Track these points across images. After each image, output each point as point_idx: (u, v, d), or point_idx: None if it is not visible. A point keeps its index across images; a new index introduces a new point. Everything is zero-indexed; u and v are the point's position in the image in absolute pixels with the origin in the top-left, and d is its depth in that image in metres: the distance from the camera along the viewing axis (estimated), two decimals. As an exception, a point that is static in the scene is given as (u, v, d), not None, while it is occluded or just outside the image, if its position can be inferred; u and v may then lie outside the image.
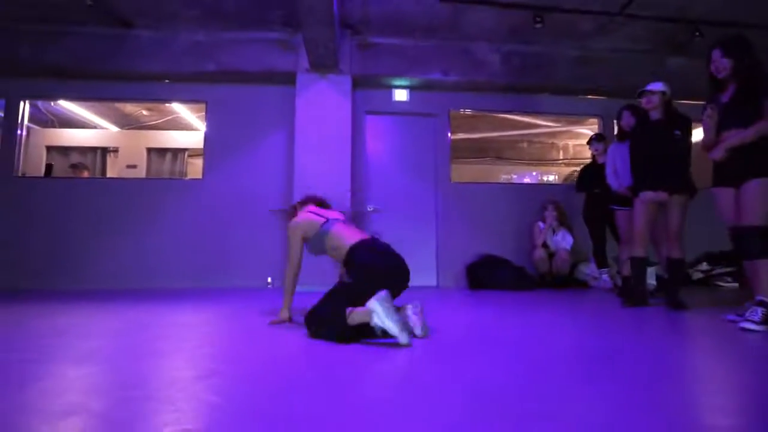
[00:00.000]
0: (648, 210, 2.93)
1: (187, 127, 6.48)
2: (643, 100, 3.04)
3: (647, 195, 2.92)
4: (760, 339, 1.89)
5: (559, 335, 2.07)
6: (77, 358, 1.51)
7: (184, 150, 6.19)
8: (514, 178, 8.63)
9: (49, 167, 4.86)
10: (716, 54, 2.46)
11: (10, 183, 4.32)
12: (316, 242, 2.18)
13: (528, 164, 8.70)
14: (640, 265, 2.96)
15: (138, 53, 4.38)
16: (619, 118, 3.61)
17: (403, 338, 1.66)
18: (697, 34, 4.22)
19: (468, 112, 5.18)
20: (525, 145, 8.59)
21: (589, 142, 4.31)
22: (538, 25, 4.05)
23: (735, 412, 1.08)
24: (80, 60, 4.35)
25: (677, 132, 2.89)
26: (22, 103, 4.46)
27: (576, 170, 8.34)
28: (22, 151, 4.48)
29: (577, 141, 8.66)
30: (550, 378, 1.30)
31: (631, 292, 3.06)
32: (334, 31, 3.73)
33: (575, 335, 2.07)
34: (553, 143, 8.68)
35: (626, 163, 3.44)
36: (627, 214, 3.52)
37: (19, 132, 4.43)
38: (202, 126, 6.34)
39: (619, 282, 4.13)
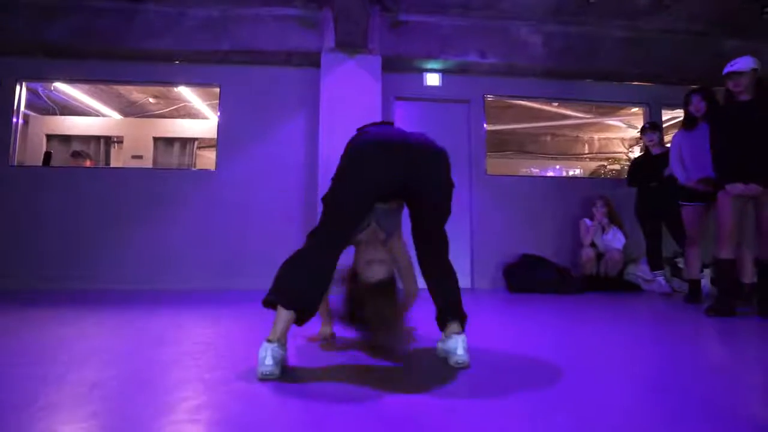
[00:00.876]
0: (737, 205, 2.55)
1: (196, 116, 6.09)
2: (730, 84, 2.64)
3: (737, 188, 2.53)
4: None
5: (643, 348, 1.69)
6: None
7: (193, 140, 5.81)
8: (537, 172, 8.24)
9: (47, 155, 4.47)
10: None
11: (5, 173, 3.93)
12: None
13: (552, 158, 8.31)
14: (729, 268, 2.57)
15: (146, 30, 3.98)
16: (686, 104, 3.21)
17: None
18: (766, 12, 3.81)
19: (500, 97, 4.78)
20: (548, 138, 8.19)
21: (642, 132, 3.91)
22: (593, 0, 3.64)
23: None
24: (83, 37, 3.95)
25: (772, 114, 2.50)
26: (18, 86, 4.06)
27: (603, 164, 7.98)
28: (17, 139, 4.09)
29: (603, 134, 8.26)
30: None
31: (717, 299, 2.66)
32: (366, 4, 3.34)
33: (663, 350, 1.69)
34: (577, 136, 8.27)
35: (696, 153, 3.08)
36: (696, 210, 3.15)
37: (14, 119, 4.04)
38: (212, 115, 5.97)
39: (678, 286, 3.78)
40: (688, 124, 3.22)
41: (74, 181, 4.05)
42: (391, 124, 1.77)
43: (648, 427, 0.95)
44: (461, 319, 1.52)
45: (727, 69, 2.64)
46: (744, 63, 2.61)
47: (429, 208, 1.53)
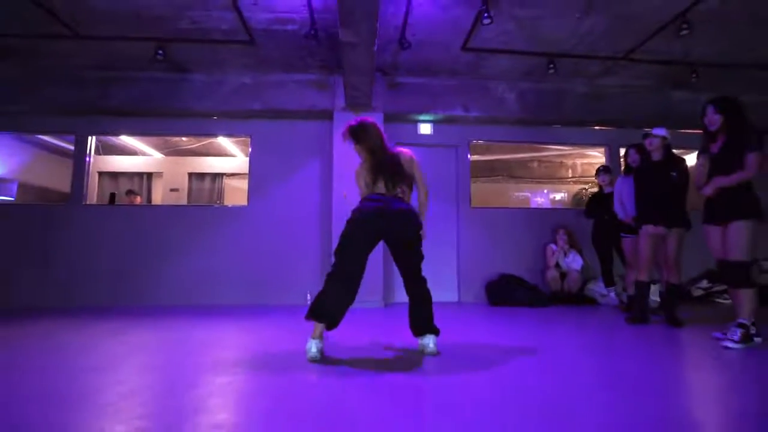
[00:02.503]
0: (650, 241, 3.38)
1: (223, 152, 7.05)
2: (646, 142, 3.50)
3: (649, 229, 3.38)
4: (735, 355, 2.34)
5: (571, 351, 2.53)
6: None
7: (221, 174, 6.74)
8: (525, 195, 9.10)
9: (112, 196, 5.41)
10: (710, 110, 2.89)
11: (81, 210, 4.87)
12: None
13: (538, 182, 9.17)
14: (643, 288, 3.41)
15: (191, 94, 4.93)
16: (626, 156, 4.07)
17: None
18: (694, 75, 4.68)
19: (483, 142, 5.66)
20: (535, 164, 9.07)
21: (596, 174, 4.76)
22: (551, 70, 4.53)
23: (702, 407, 1.54)
24: (140, 101, 4.90)
25: (674, 173, 3.35)
26: (89, 139, 5.02)
27: (584, 188, 8.82)
28: (89, 179, 5.04)
29: (584, 160, 9.12)
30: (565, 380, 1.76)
31: (634, 311, 3.49)
32: (372, 78, 4.25)
33: (582, 350, 2.53)
34: (562, 162, 9.14)
35: (632, 195, 3.90)
36: (632, 241, 3.98)
37: (87, 160, 4.99)
38: (237, 151, 6.92)
39: (625, 299, 4.59)
40: (626, 171, 4.08)
41: (131, 216, 4.98)
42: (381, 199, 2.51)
43: (558, 396, 1.80)
44: (433, 330, 2.37)
45: (646, 131, 3.51)
46: (659, 131, 3.48)
47: (402, 250, 2.37)
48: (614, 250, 4.50)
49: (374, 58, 3.81)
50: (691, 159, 3.76)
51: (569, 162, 9.15)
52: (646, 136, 3.49)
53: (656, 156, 3.48)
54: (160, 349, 2.57)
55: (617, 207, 4.09)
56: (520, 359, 2.24)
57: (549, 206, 8.69)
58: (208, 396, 1.64)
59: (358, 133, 2.49)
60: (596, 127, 5.52)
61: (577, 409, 1.53)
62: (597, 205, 4.65)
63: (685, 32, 3.74)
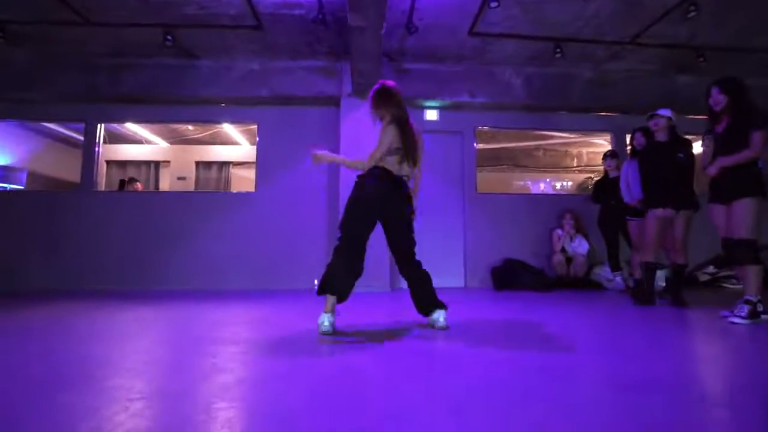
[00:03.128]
0: (658, 223, 3.41)
1: (229, 140, 7.09)
2: (651, 123, 3.51)
3: (657, 212, 3.40)
4: (743, 330, 2.38)
5: (581, 330, 2.57)
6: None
7: (228, 163, 6.79)
8: (530, 184, 9.11)
9: (122, 182, 5.47)
10: (714, 90, 2.92)
11: (90, 197, 4.93)
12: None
13: (543, 171, 9.17)
14: (650, 269, 3.44)
15: (199, 81, 4.96)
16: (632, 139, 4.08)
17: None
18: (701, 59, 4.66)
19: (489, 129, 5.68)
20: (540, 153, 9.05)
21: (603, 158, 4.78)
22: (558, 55, 4.53)
23: (708, 379, 1.58)
24: (149, 88, 4.94)
25: (681, 155, 3.37)
26: (99, 126, 5.07)
27: (590, 177, 8.81)
28: (98, 168, 5.10)
29: (590, 149, 9.10)
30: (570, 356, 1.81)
31: (641, 293, 3.53)
32: (379, 63, 4.26)
33: (593, 329, 2.57)
34: (567, 151, 9.12)
35: (638, 178, 3.92)
36: (638, 224, 4.00)
37: (96, 150, 5.05)
38: (243, 140, 6.96)
39: (631, 283, 4.62)
40: (632, 154, 4.09)
41: (140, 202, 5.04)
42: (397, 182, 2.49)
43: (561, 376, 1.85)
44: (440, 305, 2.41)
45: (651, 112, 3.51)
46: (664, 111, 3.49)
47: (400, 233, 2.38)
48: (621, 234, 4.52)
49: (381, 43, 3.83)
50: (697, 146, 3.78)
51: (574, 151, 9.13)
52: (652, 117, 3.50)
53: (661, 137, 3.49)
54: (170, 327, 2.63)
55: (623, 190, 4.10)
56: (528, 335, 2.29)
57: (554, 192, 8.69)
58: (219, 372, 1.70)
59: (392, 95, 2.44)
60: (602, 113, 5.51)
61: (584, 382, 1.57)
62: (603, 189, 4.67)
63: (693, 14, 3.73)
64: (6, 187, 6.09)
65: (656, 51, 4.79)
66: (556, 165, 9.27)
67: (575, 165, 9.24)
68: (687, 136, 3.56)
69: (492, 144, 8.16)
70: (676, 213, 3.36)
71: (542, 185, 8.91)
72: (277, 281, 4.91)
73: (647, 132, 3.97)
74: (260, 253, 4.95)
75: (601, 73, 5.25)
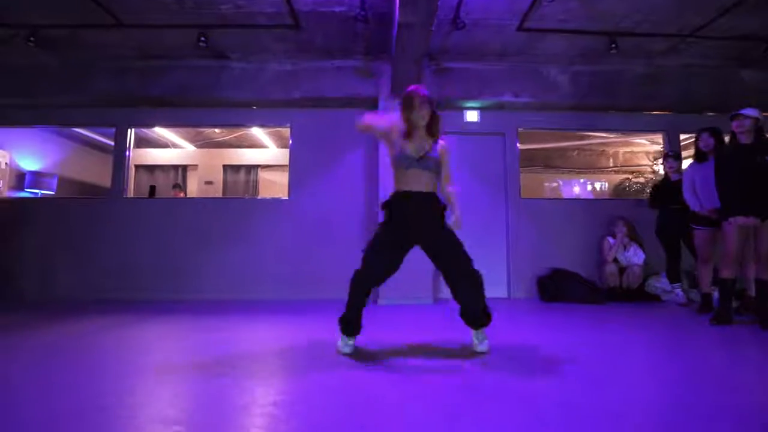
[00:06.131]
0: (739, 234, 3.08)
1: (257, 143, 6.93)
2: (734, 124, 3.17)
3: (737, 220, 3.07)
4: None
5: (660, 355, 2.28)
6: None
7: (256, 166, 6.63)
8: (563, 185, 8.74)
9: (152, 189, 5.36)
10: None
11: (120, 204, 4.82)
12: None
13: (578, 172, 8.79)
14: (729, 286, 3.11)
15: (230, 83, 4.79)
16: (697, 140, 3.74)
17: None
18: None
19: (532, 130, 5.37)
20: (575, 153, 8.68)
21: (664, 159, 4.44)
22: (613, 50, 4.21)
23: None
24: (180, 90, 4.79)
25: (767, 158, 3.03)
26: (129, 131, 4.95)
27: (628, 177, 8.40)
28: (128, 175, 4.98)
29: (627, 149, 8.69)
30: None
31: (718, 311, 3.20)
32: (421, 59, 4.02)
33: (676, 355, 2.28)
34: (603, 151, 8.73)
35: (707, 183, 3.58)
36: (705, 234, 3.67)
37: (126, 155, 4.93)
38: (270, 143, 6.79)
39: (696, 297, 4.27)
40: (698, 157, 3.75)
41: (171, 209, 4.90)
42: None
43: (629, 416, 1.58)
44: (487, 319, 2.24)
45: (735, 112, 3.17)
46: (750, 111, 3.14)
47: (433, 245, 2.23)
48: (683, 243, 4.18)
49: (429, 40, 3.59)
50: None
51: (611, 151, 8.73)
52: (735, 117, 3.16)
53: (745, 139, 3.14)
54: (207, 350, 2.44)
55: (688, 196, 3.77)
56: (598, 361, 2.02)
57: (597, 197, 8.31)
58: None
59: (431, 102, 2.30)
60: (654, 112, 5.16)
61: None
62: (663, 193, 4.33)
63: (774, 2, 3.38)
64: (38, 193, 6.05)
65: (719, 44, 4.42)
66: (592, 165, 8.88)
67: (611, 165, 8.83)
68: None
69: (526, 144, 7.81)
70: (761, 222, 3.02)
71: (577, 188, 8.53)
72: (321, 290, 4.70)
73: (716, 132, 3.64)
74: (295, 261, 4.75)
75: (655, 68, 4.90)
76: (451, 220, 2.28)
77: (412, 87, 2.36)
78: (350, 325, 2.23)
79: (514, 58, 4.75)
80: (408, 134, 2.25)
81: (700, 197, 3.69)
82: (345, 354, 2.18)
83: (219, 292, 4.66)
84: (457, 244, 2.21)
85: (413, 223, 2.21)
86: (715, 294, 3.83)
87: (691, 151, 3.95)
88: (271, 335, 2.81)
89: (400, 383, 1.72)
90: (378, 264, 2.21)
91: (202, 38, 4.03)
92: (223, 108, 4.98)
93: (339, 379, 1.78)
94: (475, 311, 2.20)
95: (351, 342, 2.23)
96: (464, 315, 2.24)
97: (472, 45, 4.45)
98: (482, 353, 2.17)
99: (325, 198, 4.85)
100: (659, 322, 3.36)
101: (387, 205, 2.27)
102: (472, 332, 2.27)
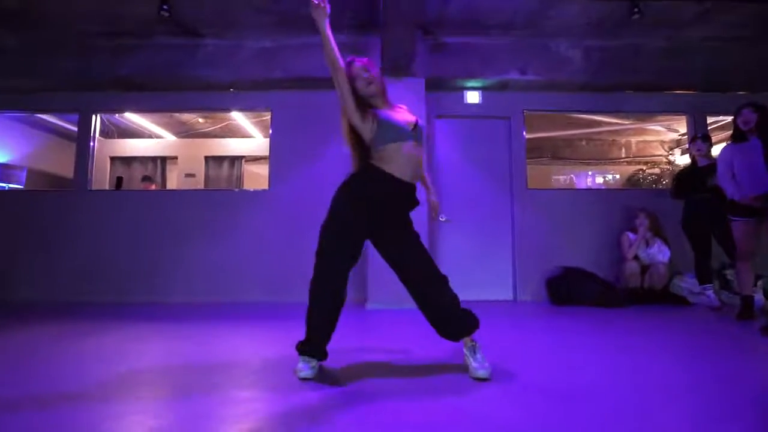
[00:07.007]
0: (793, 225, 2.57)
1: (241, 133, 6.45)
2: None
3: (793, 207, 2.56)
4: None
5: (708, 376, 1.78)
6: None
7: (240, 157, 6.16)
8: (572, 177, 8.21)
9: (119, 180, 4.89)
10: None
11: (84, 196, 4.35)
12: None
13: (587, 163, 8.24)
14: (783, 287, 2.60)
15: (204, 62, 4.31)
16: (736, 117, 3.21)
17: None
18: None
19: (539, 112, 4.85)
20: (584, 143, 8.13)
21: (692, 140, 3.92)
22: (636, 16, 3.69)
23: None
24: (149, 71, 4.33)
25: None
26: (94, 117, 4.48)
27: (642, 168, 7.86)
28: (93, 165, 4.51)
29: (640, 137, 8.13)
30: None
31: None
32: (414, 30, 3.52)
33: (730, 377, 1.78)
34: (614, 140, 8.17)
35: (749, 167, 3.07)
36: (747, 226, 3.14)
37: (91, 144, 4.46)
38: (256, 132, 6.31)
39: (725, 298, 3.76)
40: (737, 137, 3.22)
41: (141, 202, 4.43)
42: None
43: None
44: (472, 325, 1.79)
45: None
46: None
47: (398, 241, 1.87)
48: (714, 237, 3.67)
49: (422, 4, 3.09)
50: None
51: (622, 140, 8.18)
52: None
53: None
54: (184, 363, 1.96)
55: (724, 182, 3.23)
56: (634, 391, 1.52)
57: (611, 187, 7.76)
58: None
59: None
60: (677, 92, 4.63)
61: None
62: (689, 181, 3.80)
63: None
64: (5, 187, 5.62)
65: (756, 9, 3.88)
66: (602, 156, 8.32)
67: (623, 156, 8.27)
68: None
69: (531, 133, 7.28)
70: (821, 212, 2.51)
71: (588, 180, 8.00)
72: (297, 291, 4.21)
73: (761, 108, 3.11)
74: (275, 259, 4.28)
75: (679, 41, 4.36)
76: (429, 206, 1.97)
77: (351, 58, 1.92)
78: (312, 343, 1.75)
79: (519, 32, 4.23)
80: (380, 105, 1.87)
81: (741, 184, 3.16)
82: (305, 378, 1.70)
83: (194, 294, 4.19)
84: (422, 244, 1.86)
85: (389, 216, 1.81)
86: (757, 297, 3.33)
87: (718, 136, 3.43)
88: (248, 346, 2.33)
89: (387, 412, 1.23)
90: (345, 253, 1.78)
91: (164, 6, 3.54)
92: (198, 91, 4.51)
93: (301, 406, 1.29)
94: (456, 313, 1.76)
95: (314, 364, 1.74)
96: (445, 324, 1.77)
97: (473, 15, 3.94)
98: (483, 379, 1.67)
99: (308, 188, 4.37)
100: (697, 329, 2.85)
101: (364, 184, 1.81)
102: (464, 350, 1.77)
